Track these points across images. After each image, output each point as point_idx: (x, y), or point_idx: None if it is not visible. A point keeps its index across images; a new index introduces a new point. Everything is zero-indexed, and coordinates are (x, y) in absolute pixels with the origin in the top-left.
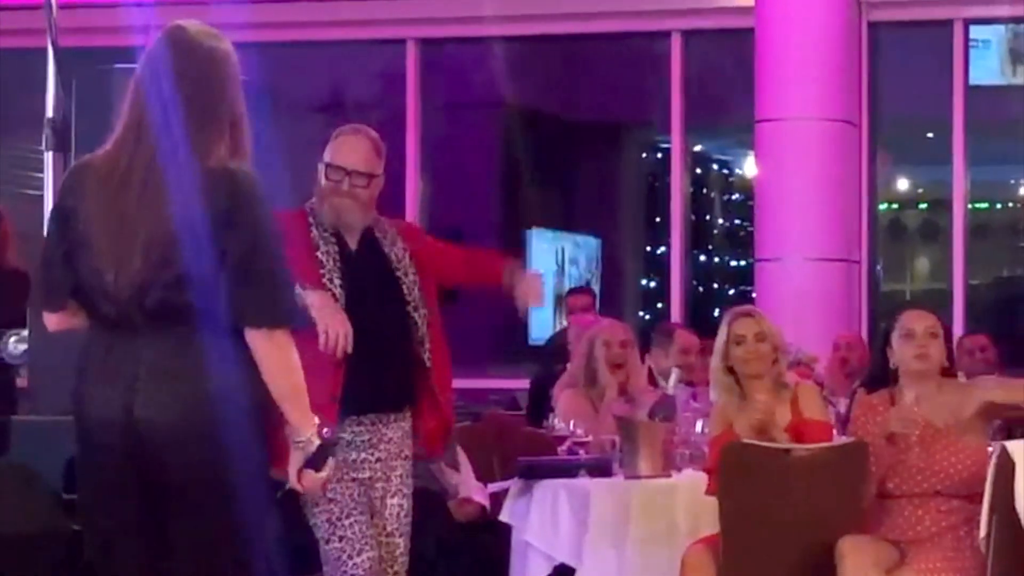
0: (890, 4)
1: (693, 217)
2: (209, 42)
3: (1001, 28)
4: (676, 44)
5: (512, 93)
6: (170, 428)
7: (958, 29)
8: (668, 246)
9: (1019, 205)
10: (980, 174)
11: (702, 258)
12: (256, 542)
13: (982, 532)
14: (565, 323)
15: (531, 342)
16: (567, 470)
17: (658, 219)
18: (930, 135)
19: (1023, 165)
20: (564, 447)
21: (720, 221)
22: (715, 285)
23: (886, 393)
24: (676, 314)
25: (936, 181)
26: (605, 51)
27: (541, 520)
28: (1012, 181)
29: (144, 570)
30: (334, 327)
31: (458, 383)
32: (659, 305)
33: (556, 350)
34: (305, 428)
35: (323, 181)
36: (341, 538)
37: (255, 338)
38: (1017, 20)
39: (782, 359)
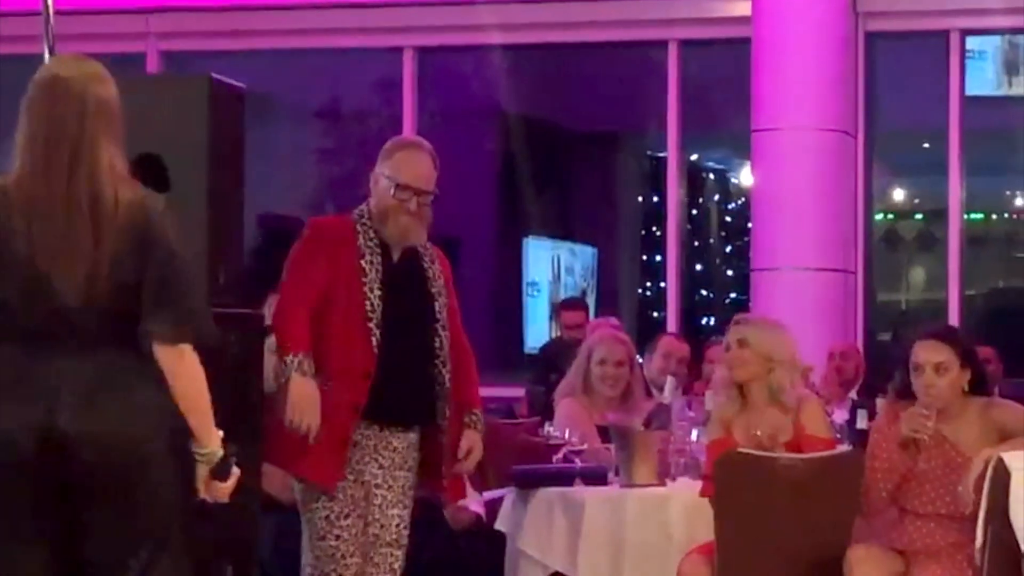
0: (887, 14)
1: (689, 226)
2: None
3: (997, 39)
4: (673, 53)
5: (509, 101)
6: (97, 444)
7: (954, 40)
8: (664, 255)
9: (1015, 216)
10: (976, 185)
11: (698, 267)
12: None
13: (977, 543)
14: (559, 333)
15: (527, 350)
16: (562, 479)
17: (655, 228)
18: (926, 145)
19: (1019, 176)
20: (559, 455)
21: (716, 230)
22: (711, 294)
23: (906, 406)
24: (672, 323)
25: (932, 192)
26: (602, 60)
27: (536, 529)
28: (1008, 192)
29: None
30: (302, 416)
31: None
32: (655, 314)
33: (549, 359)
34: (209, 441)
35: (388, 198)
36: (337, 536)
37: (164, 353)
38: (1013, 31)
39: (779, 370)
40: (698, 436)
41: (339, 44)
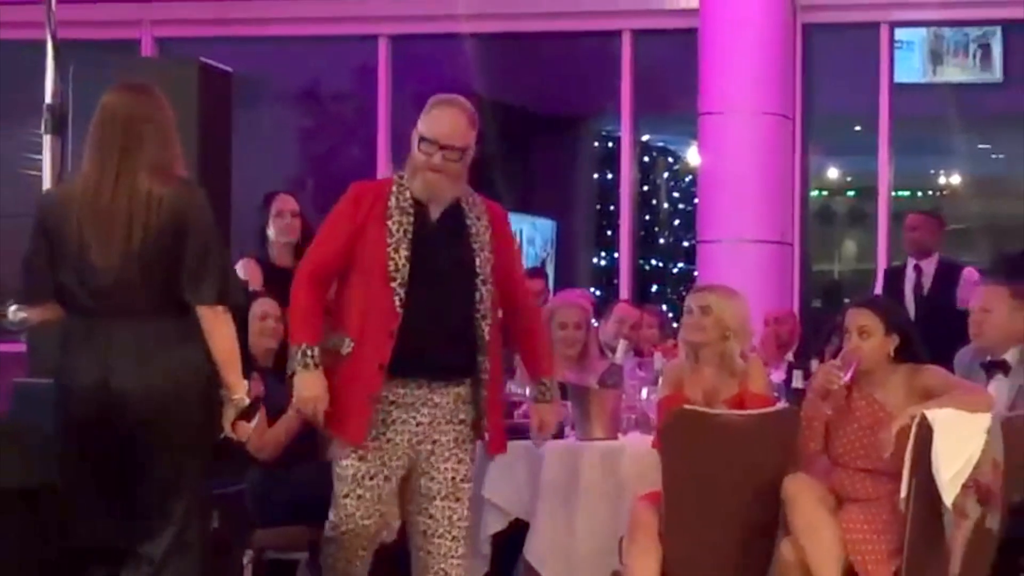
0: (822, 7)
1: (641, 201)
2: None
3: (923, 31)
4: (627, 43)
5: (476, 86)
6: (143, 395)
7: (884, 31)
8: (618, 227)
9: (938, 193)
10: (903, 164)
11: (649, 239)
12: (206, 489)
13: (902, 494)
14: None
15: None
16: (523, 432)
17: (609, 203)
18: (858, 128)
19: (943, 157)
20: (520, 411)
21: (666, 205)
22: (660, 263)
23: None
24: (624, 290)
25: (863, 171)
26: (563, 48)
27: (499, 479)
28: (932, 171)
29: (110, 515)
30: (306, 410)
31: None
32: (612, 282)
33: None
34: (238, 388)
35: (416, 153)
36: (359, 496)
37: (204, 313)
38: (938, 23)
39: (733, 339)
40: (648, 394)
41: (320, 32)
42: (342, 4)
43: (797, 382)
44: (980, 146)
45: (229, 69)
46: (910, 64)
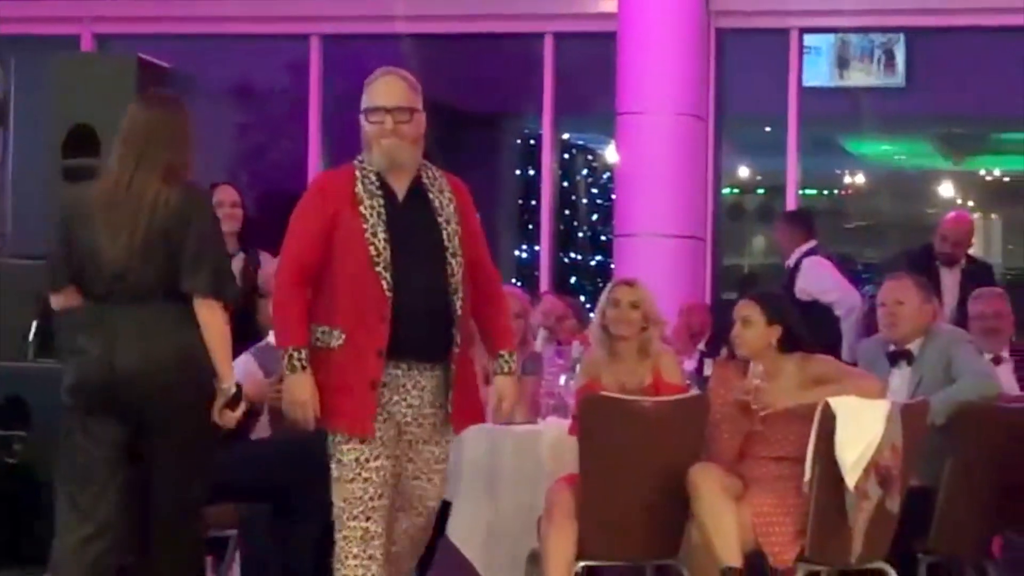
0: (735, 14)
1: (561, 197)
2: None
3: (831, 37)
4: (548, 45)
5: None
6: (142, 374)
7: (793, 37)
8: (539, 222)
9: (843, 192)
10: (810, 164)
11: (568, 233)
12: (208, 461)
13: (806, 477)
14: None
15: None
16: None
17: (531, 198)
18: (768, 129)
19: (847, 157)
20: None
21: (584, 201)
22: (579, 257)
23: (740, 363)
24: (544, 282)
25: (772, 169)
26: (488, 49)
27: None
28: (837, 171)
29: (118, 484)
30: (295, 415)
31: None
32: (533, 274)
33: None
34: (227, 377)
35: (367, 127)
36: (366, 479)
37: (199, 303)
38: (845, 30)
39: (652, 328)
40: (566, 381)
41: (254, 31)
42: (275, 3)
43: (708, 370)
44: (883, 147)
45: (166, 65)
46: (818, 68)
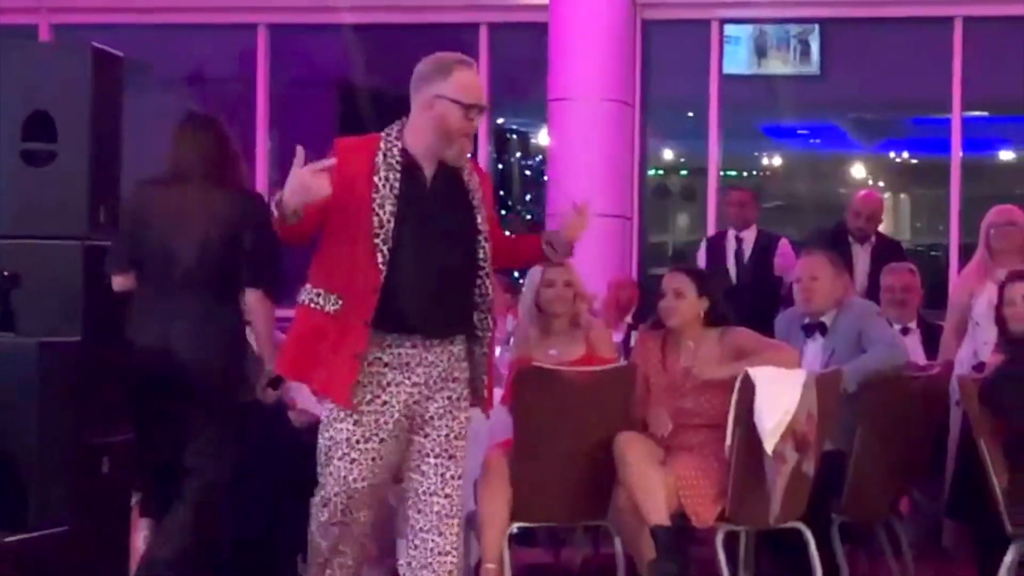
0: (659, 5)
1: (497, 178)
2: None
3: (750, 27)
4: (484, 35)
5: (348, 72)
6: (196, 357)
7: (715, 27)
8: None
9: (761, 173)
10: (730, 147)
11: (503, 212)
12: (240, 428)
13: (727, 442)
14: None
15: None
16: None
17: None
18: (691, 114)
19: (765, 140)
20: None
21: (519, 181)
22: (514, 235)
23: (662, 333)
24: None
25: (695, 152)
26: (426, 38)
27: None
28: (756, 153)
29: (167, 448)
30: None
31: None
32: None
33: None
34: (270, 362)
35: (460, 120)
36: (352, 460)
37: (251, 294)
38: (763, 21)
39: (580, 303)
40: (500, 353)
41: (204, 20)
42: None
43: (634, 342)
44: (799, 131)
45: (120, 54)
46: (737, 57)
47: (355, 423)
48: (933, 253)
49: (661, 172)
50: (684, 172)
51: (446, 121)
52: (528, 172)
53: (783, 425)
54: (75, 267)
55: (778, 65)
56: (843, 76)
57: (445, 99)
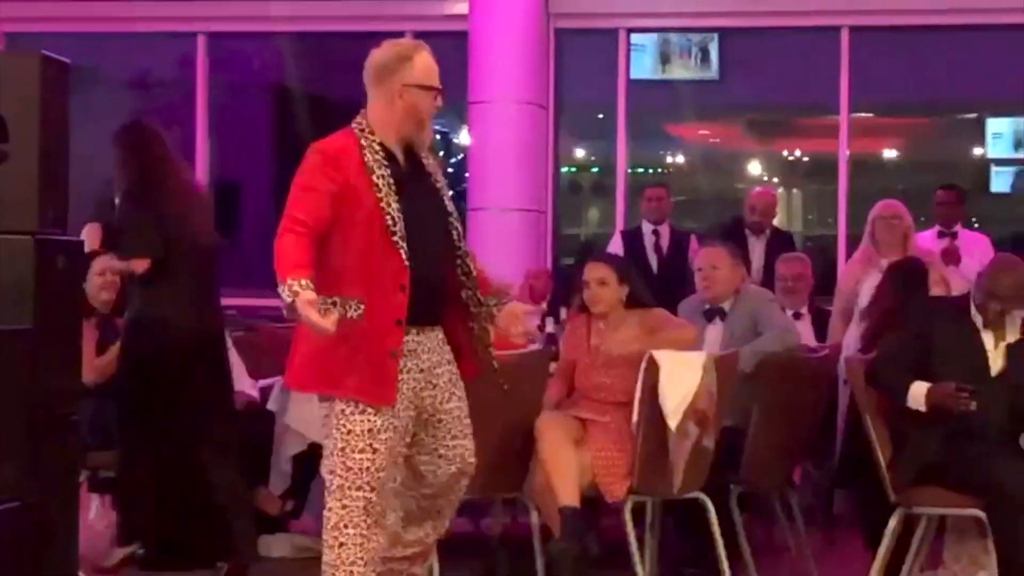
0: (571, 16)
1: None
2: None
3: (655, 36)
4: None
5: (283, 77)
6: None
7: (622, 36)
8: None
9: (665, 170)
10: (637, 146)
11: None
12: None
13: (634, 419)
14: None
15: None
16: None
17: None
18: (600, 116)
19: (669, 140)
20: None
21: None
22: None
23: (588, 316)
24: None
25: (604, 151)
26: (355, 45)
27: (298, 408)
28: (660, 152)
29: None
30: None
31: (238, 301)
32: None
33: None
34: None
35: (429, 105)
36: (375, 450)
37: None
38: (667, 30)
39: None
40: None
41: (148, 29)
42: (167, 5)
43: (549, 327)
44: (700, 131)
45: (67, 61)
46: (643, 63)
47: (375, 412)
48: (823, 243)
49: (573, 169)
50: (595, 169)
51: (418, 108)
52: (450, 170)
53: (685, 403)
54: (27, 259)
55: (680, 71)
56: (740, 81)
57: (413, 87)
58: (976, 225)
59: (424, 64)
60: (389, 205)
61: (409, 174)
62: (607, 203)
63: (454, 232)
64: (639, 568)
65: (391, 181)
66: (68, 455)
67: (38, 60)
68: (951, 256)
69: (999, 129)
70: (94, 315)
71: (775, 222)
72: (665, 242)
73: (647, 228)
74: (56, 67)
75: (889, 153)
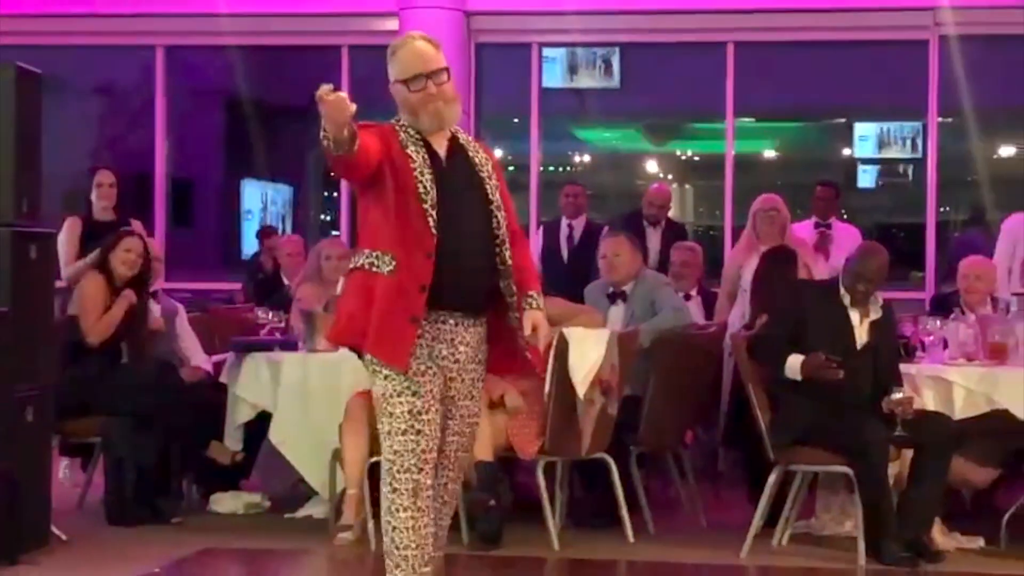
0: (490, 31)
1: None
2: None
3: (564, 50)
4: (345, 55)
5: (234, 86)
6: None
7: (535, 49)
8: (339, 191)
9: (573, 169)
10: (548, 148)
11: None
12: None
13: (546, 389)
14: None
15: (242, 257)
16: (267, 346)
17: (331, 173)
18: (516, 120)
19: (577, 142)
20: (265, 331)
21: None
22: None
23: None
24: (344, 238)
25: (519, 152)
26: (298, 58)
27: (248, 380)
28: (569, 153)
29: None
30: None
31: (192, 285)
32: (333, 232)
33: (253, 265)
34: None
35: (409, 97)
36: (418, 432)
37: None
38: (574, 45)
39: None
40: None
41: (111, 42)
42: (129, 21)
43: None
44: (604, 134)
45: (39, 71)
46: (554, 73)
47: (414, 394)
48: (712, 233)
49: None
50: (511, 168)
51: (408, 101)
52: None
53: (592, 375)
54: (3, 249)
55: (587, 80)
56: (638, 89)
57: (394, 83)
58: (845, 217)
59: (402, 57)
60: (422, 174)
61: (447, 162)
62: (522, 198)
63: (494, 221)
64: (550, 520)
65: (426, 158)
66: (42, 423)
67: (13, 71)
68: (823, 245)
69: (865, 132)
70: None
71: (669, 214)
72: (578, 234)
73: (564, 222)
74: (29, 77)
75: (769, 153)
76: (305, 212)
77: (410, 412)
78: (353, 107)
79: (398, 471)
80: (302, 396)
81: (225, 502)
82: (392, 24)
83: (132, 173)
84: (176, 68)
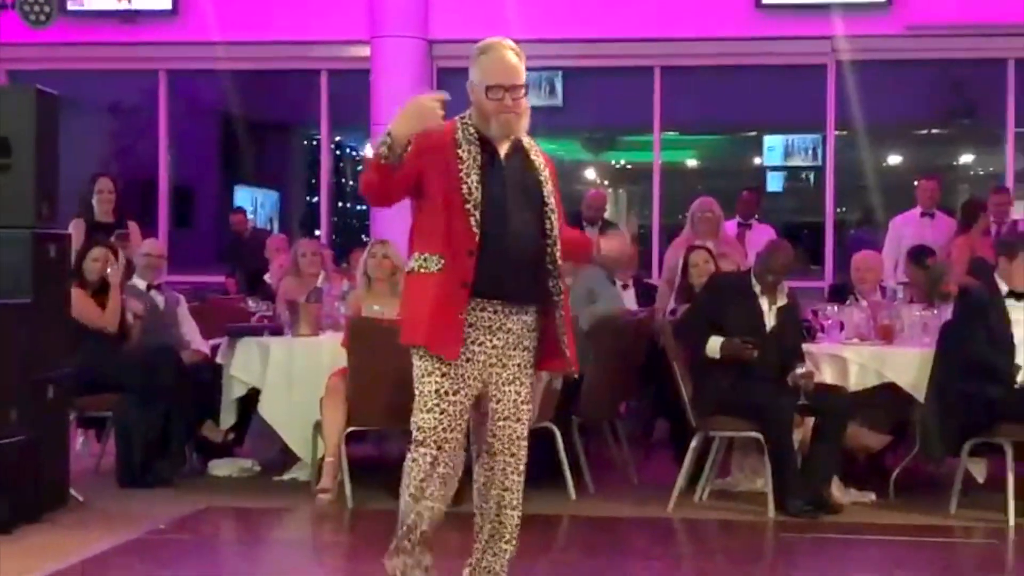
0: (450, 57)
1: (335, 181)
2: None
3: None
4: (324, 78)
5: (227, 104)
6: None
7: None
8: (319, 198)
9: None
10: None
11: (340, 205)
12: None
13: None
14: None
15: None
16: (257, 331)
17: (313, 179)
18: None
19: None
20: (255, 318)
21: (352, 183)
22: (351, 220)
23: None
24: (324, 237)
25: None
26: (282, 80)
27: (241, 361)
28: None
29: None
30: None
31: (192, 278)
32: (315, 233)
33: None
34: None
35: (485, 101)
36: (442, 411)
37: None
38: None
39: (399, 273)
40: (340, 307)
41: (119, 67)
42: (134, 48)
43: None
44: (549, 146)
45: (57, 93)
46: None
47: (443, 375)
48: (642, 231)
49: None
50: None
51: (481, 104)
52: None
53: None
54: (26, 248)
55: (533, 99)
56: (578, 107)
57: (474, 83)
58: (757, 218)
59: (485, 63)
60: (468, 176)
61: (508, 162)
62: None
63: (547, 222)
64: None
65: (478, 158)
66: (60, 401)
67: (34, 93)
68: (740, 242)
69: (772, 144)
70: (87, 286)
71: (605, 215)
72: None
73: None
74: (48, 98)
75: (691, 162)
76: (289, 216)
77: (436, 392)
78: (441, 123)
79: (420, 444)
80: (287, 375)
81: (222, 467)
82: (364, 51)
83: (138, 180)
84: (176, 89)
